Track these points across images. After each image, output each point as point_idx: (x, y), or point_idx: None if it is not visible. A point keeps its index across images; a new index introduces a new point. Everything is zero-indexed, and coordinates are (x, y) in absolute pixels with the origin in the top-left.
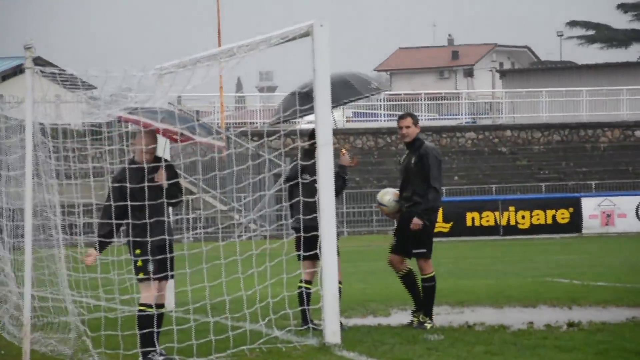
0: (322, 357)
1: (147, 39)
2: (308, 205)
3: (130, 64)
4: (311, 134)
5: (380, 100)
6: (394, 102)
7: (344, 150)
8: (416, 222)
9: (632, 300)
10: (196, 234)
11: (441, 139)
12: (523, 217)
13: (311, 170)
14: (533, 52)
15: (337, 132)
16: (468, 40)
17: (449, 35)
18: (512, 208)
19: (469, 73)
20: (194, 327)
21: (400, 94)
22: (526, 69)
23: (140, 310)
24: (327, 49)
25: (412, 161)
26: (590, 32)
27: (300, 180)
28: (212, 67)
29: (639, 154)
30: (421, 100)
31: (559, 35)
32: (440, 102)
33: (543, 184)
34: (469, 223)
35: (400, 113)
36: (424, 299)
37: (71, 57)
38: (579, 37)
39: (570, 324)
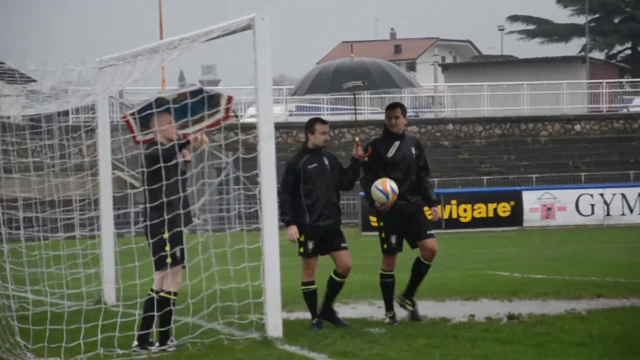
0: (263, 350)
1: (86, 31)
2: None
3: (69, 57)
4: None
5: (323, 95)
6: (337, 97)
7: (357, 140)
8: (438, 212)
9: (571, 292)
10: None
11: None
12: (465, 210)
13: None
14: (475, 47)
15: (280, 126)
16: (411, 34)
17: (392, 29)
18: (454, 201)
19: (411, 67)
20: (138, 320)
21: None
22: (468, 63)
23: (166, 298)
24: (269, 42)
25: (413, 152)
26: (531, 27)
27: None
28: (154, 60)
29: (578, 148)
30: (364, 94)
31: (500, 30)
32: (382, 95)
33: (485, 177)
34: None
35: (390, 103)
36: (416, 280)
37: (6, 49)
38: (520, 32)
39: (511, 317)
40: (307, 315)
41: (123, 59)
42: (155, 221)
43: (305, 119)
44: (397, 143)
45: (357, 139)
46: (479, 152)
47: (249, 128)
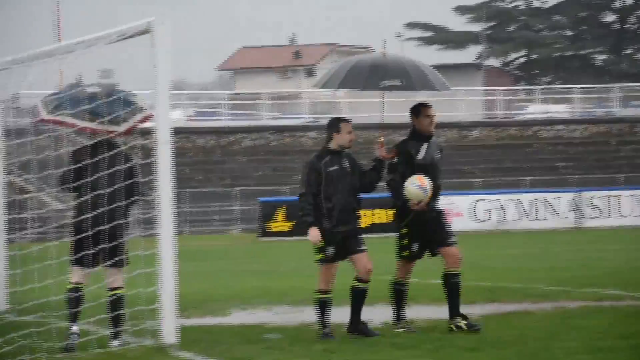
0: (158, 357)
1: None
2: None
3: None
4: None
5: (223, 100)
6: (236, 102)
7: (381, 140)
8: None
9: (467, 298)
10: (26, 234)
11: (283, 138)
12: (364, 215)
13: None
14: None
15: (178, 131)
16: (310, 40)
17: (291, 34)
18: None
19: (311, 73)
20: (30, 328)
21: (244, 93)
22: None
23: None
24: (168, 47)
25: (437, 156)
26: (429, 34)
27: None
28: (51, 64)
29: (475, 154)
30: (263, 99)
31: (398, 36)
32: (282, 101)
33: (384, 183)
34: None
35: (421, 101)
36: (454, 295)
37: None
38: (418, 39)
39: (407, 322)
40: (204, 321)
41: (19, 62)
42: (125, 220)
43: (204, 124)
44: (425, 145)
45: (380, 139)
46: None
47: (147, 133)
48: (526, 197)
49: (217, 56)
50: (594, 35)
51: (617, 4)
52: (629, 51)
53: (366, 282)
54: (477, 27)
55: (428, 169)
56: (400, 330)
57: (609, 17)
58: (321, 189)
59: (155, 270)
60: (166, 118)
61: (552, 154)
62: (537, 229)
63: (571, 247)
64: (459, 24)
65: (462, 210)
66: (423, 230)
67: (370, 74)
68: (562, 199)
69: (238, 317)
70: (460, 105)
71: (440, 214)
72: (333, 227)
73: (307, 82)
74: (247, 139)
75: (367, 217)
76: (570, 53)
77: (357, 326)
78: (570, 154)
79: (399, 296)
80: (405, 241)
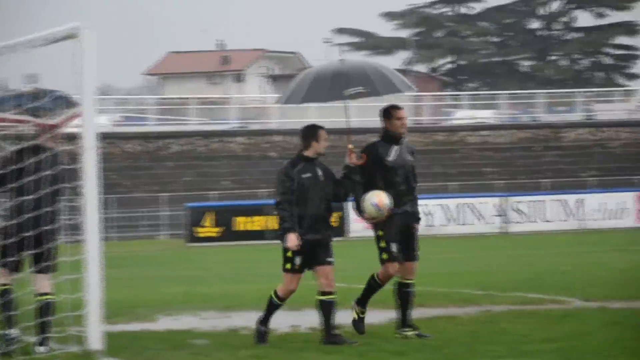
0: None
1: None
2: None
3: None
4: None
5: (150, 105)
6: (164, 107)
7: (351, 147)
8: (418, 230)
9: (393, 302)
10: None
11: (211, 143)
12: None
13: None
14: (302, 58)
15: (105, 137)
16: (238, 45)
17: (220, 40)
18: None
19: (239, 78)
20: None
21: (171, 98)
22: (296, 74)
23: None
24: (94, 51)
25: (410, 158)
26: (357, 39)
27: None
28: None
29: None
30: (191, 104)
31: (326, 42)
32: (210, 106)
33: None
34: (239, 227)
35: (392, 104)
36: (406, 306)
37: None
38: (346, 44)
39: (335, 327)
40: (131, 327)
41: None
42: (52, 226)
43: (131, 129)
44: (396, 147)
45: (350, 145)
46: None
47: (74, 138)
48: (453, 202)
49: (145, 61)
50: (520, 41)
51: (542, 11)
52: (553, 57)
53: (331, 293)
54: (405, 34)
55: (398, 171)
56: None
57: (534, 24)
58: (294, 196)
59: (82, 277)
60: (92, 123)
61: (479, 159)
62: (463, 234)
63: (497, 251)
64: (387, 30)
65: None
66: (401, 234)
67: (332, 85)
68: (488, 204)
69: (165, 323)
70: None
71: (415, 218)
72: (302, 235)
73: (235, 88)
74: (174, 144)
75: None
76: (496, 59)
77: (330, 337)
78: (496, 160)
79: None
80: (383, 243)
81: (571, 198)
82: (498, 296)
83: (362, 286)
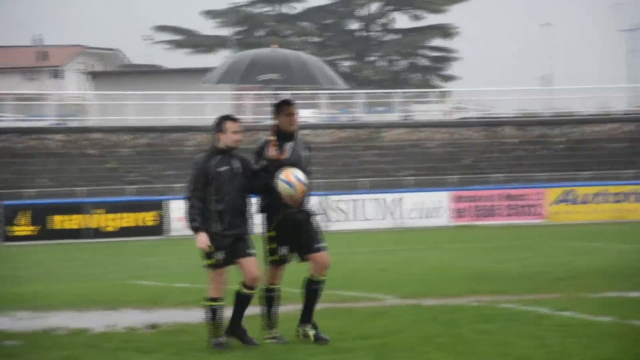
0: None
1: None
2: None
3: None
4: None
5: None
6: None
7: (274, 141)
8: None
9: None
10: None
11: (28, 140)
12: (113, 220)
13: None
14: (123, 55)
15: None
16: (57, 40)
17: (37, 34)
18: (101, 211)
19: (57, 74)
20: None
21: None
22: (116, 71)
23: None
24: None
25: (305, 154)
26: (178, 37)
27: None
28: None
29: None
30: (7, 101)
31: (145, 39)
32: (27, 103)
33: (131, 186)
34: (56, 226)
35: (285, 98)
36: (311, 302)
37: None
38: (167, 42)
39: (152, 326)
40: None
41: None
42: None
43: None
44: (291, 144)
45: (272, 138)
46: (126, 161)
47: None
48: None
49: None
50: (339, 42)
51: (361, 12)
52: (372, 58)
53: (252, 289)
54: (226, 32)
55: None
56: (271, 341)
57: (354, 25)
58: (210, 191)
59: None
60: None
61: None
62: None
63: None
64: (208, 28)
65: None
66: (291, 233)
67: (249, 68)
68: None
69: None
70: (207, 109)
71: (309, 215)
72: (224, 230)
73: (53, 84)
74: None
75: (114, 221)
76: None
77: (235, 330)
78: (316, 159)
79: (270, 303)
80: (274, 245)
81: (389, 197)
82: None
83: (183, 285)
